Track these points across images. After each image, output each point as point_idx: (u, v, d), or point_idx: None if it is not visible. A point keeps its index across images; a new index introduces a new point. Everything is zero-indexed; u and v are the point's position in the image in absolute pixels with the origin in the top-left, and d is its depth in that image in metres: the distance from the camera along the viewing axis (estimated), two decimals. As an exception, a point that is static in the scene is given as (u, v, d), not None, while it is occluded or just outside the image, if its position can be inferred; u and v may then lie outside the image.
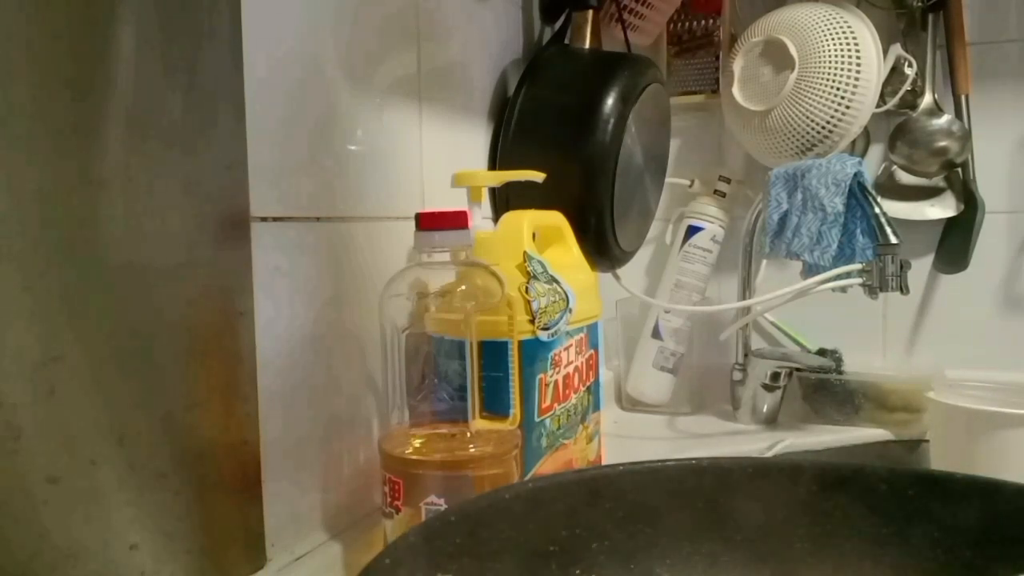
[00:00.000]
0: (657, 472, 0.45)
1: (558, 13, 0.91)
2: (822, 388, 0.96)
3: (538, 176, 0.66)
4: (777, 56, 0.93)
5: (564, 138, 0.78)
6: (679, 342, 1.03)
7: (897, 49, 0.93)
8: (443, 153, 0.72)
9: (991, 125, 0.98)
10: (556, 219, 0.68)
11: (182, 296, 0.44)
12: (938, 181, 1.00)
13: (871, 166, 1.02)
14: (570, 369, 0.62)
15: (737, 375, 0.99)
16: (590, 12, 0.86)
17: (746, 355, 0.99)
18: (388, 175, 0.64)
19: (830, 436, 0.92)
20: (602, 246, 0.80)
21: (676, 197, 1.09)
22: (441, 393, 0.54)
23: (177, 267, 0.43)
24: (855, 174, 0.83)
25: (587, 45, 0.86)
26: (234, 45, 0.48)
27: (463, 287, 0.54)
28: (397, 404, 0.54)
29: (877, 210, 0.81)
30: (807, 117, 0.91)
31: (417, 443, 0.53)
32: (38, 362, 0.36)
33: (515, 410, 0.55)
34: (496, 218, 0.75)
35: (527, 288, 0.57)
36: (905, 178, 1.01)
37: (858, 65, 0.89)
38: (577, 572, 0.42)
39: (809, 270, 0.86)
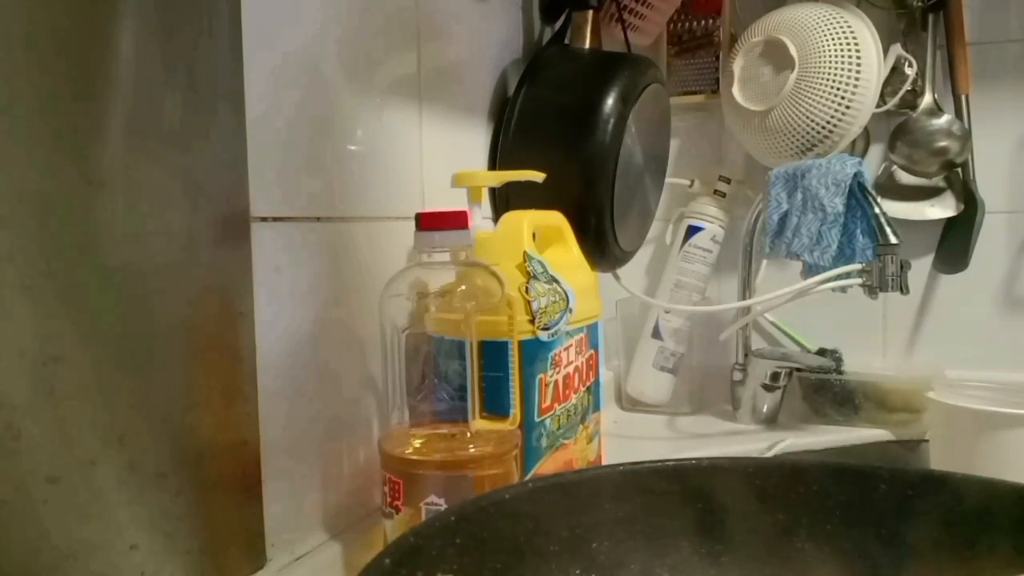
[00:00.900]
0: (657, 472, 0.45)
1: (558, 13, 0.91)
2: (822, 388, 0.96)
3: (538, 176, 0.66)
4: (777, 56, 0.93)
5: (564, 138, 0.78)
6: (679, 342, 1.03)
7: (897, 49, 0.93)
8: (443, 153, 0.72)
9: (991, 125, 0.98)
10: (556, 219, 0.68)
11: (182, 296, 0.44)
12: (938, 181, 1.00)
13: (871, 166, 1.02)
14: (570, 369, 0.62)
15: (737, 375, 0.99)
16: (590, 12, 0.86)
17: (746, 355, 0.99)
18: (388, 175, 0.64)
19: (830, 436, 0.92)
20: (602, 246, 0.80)
21: (676, 197, 1.09)
22: (441, 393, 0.54)
23: (177, 267, 0.43)
24: (855, 174, 0.83)
25: (587, 45, 0.86)
26: (234, 45, 0.48)
27: (463, 287, 0.54)
28: (397, 404, 0.54)
29: (877, 210, 0.81)
30: (807, 117, 0.91)
31: (417, 443, 0.53)
32: (38, 362, 0.36)
33: (515, 410, 0.55)
34: (496, 218, 0.75)
35: (527, 288, 0.57)
36: (905, 178, 1.01)
37: (858, 65, 0.89)
38: (577, 572, 0.42)
39: (809, 270, 0.86)
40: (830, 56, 0.89)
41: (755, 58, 0.95)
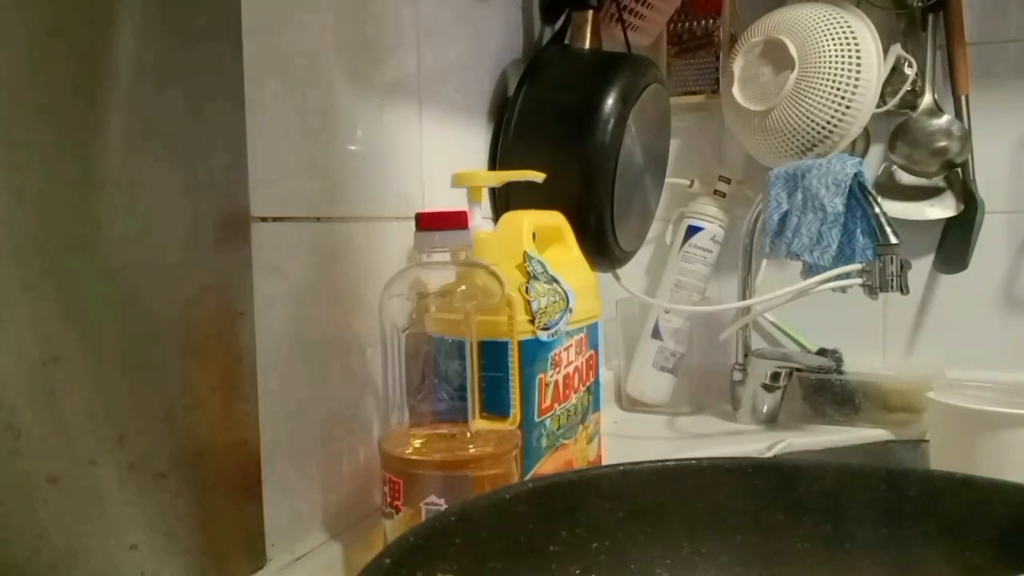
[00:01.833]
0: (657, 472, 0.45)
1: (558, 13, 0.91)
2: (822, 388, 0.96)
3: (538, 176, 0.66)
4: (777, 56, 0.93)
5: (564, 138, 0.78)
6: (679, 342, 1.03)
7: (897, 49, 0.93)
8: (443, 153, 0.72)
9: (991, 125, 0.98)
10: (556, 219, 0.68)
11: (182, 296, 0.44)
12: (938, 181, 1.00)
13: (871, 166, 1.02)
14: (570, 369, 0.62)
15: (737, 375, 0.99)
16: (590, 12, 0.86)
17: (746, 355, 0.99)
18: (388, 175, 0.64)
19: (830, 436, 0.92)
20: (602, 246, 0.80)
21: (676, 197, 1.09)
22: (441, 393, 0.54)
23: (177, 267, 0.43)
24: (855, 174, 0.83)
25: (587, 45, 0.86)
26: (234, 45, 0.48)
27: (463, 287, 0.54)
28: (397, 404, 0.54)
29: (877, 210, 0.81)
30: (807, 117, 0.91)
31: (417, 443, 0.53)
32: (38, 362, 0.36)
33: (515, 410, 0.55)
34: (496, 218, 0.75)
35: (527, 288, 0.57)
36: (905, 178, 1.01)
37: (858, 65, 0.89)
38: (577, 572, 0.42)
39: (809, 270, 0.86)
40: (830, 56, 0.89)
41: (755, 58, 0.95)
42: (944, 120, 0.97)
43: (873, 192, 0.83)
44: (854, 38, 0.90)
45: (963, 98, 0.97)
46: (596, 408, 0.67)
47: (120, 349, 0.40)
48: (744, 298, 0.99)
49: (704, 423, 0.99)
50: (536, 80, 0.82)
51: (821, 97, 0.90)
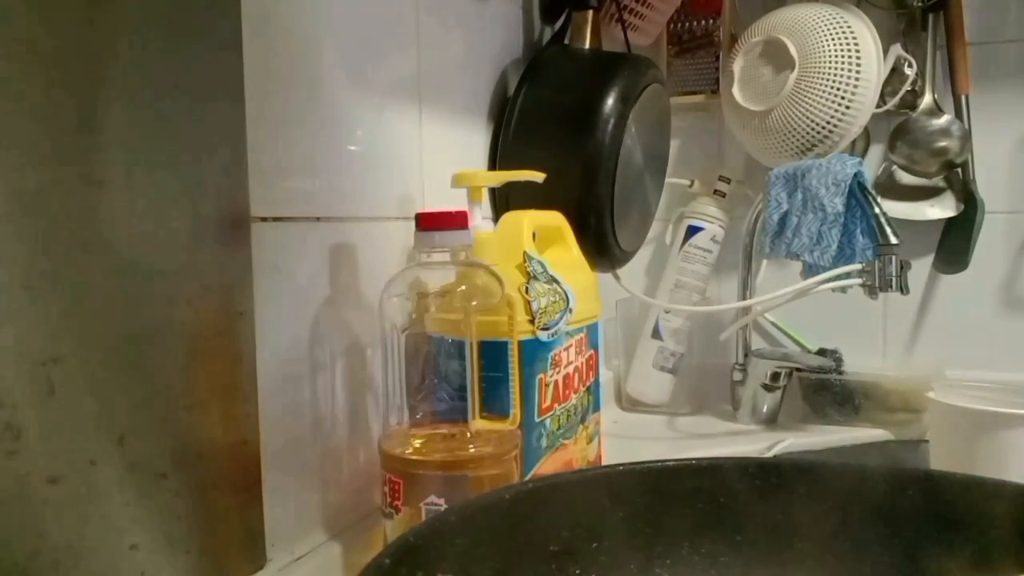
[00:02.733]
0: (657, 472, 0.45)
1: (558, 13, 0.91)
2: (822, 388, 0.96)
3: (538, 176, 0.66)
4: (777, 56, 0.93)
5: (564, 138, 0.78)
6: (679, 342, 1.03)
7: (897, 49, 0.93)
8: (443, 153, 0.72)
9: (991, 125, 0.98)
10: (556, 219, 0.68)
11: (182, 296, 0.44)
12: (938, 181, 1.00)
13: (871, 166, 1.02)
14: (570, 369, 0.62)
15: (737, 375, 0.99)
16: (590, 12, 0.86)
17: (746, 355, 0.99)
18: (388, 175, 0.64)
19: (830, 436, 0.92)
20: (602, 246, 0.80)
21: (676, 197, 1.09)
22: (441, 393, 0.54)
23: (177, 267, 0.43)
24: (855, 174, 0.83)
25: (587, 45, 0.86)
26: (234, 45, 0.48)
27: (463, 287, 0.54)
28: (397, 404, 0.54)
29: (877, 210, 0.81)
30: (807, 117, 0.91)
31: (417, 443, 0.53)
32: (38, 362, 0.36)
33: (515, 410, 0.55)
34: (496, 218, 0.75)
35: (527, 288, 0.57)
36: (905, 178, 1.01)
37: (858, 65, 0.89)
38: (577, 572, 0.42)
39: (809, 270, 0.86)
40: (830, 56, 0.89)
41: (755, 58, 0.95)
42: (944, 120, 0.97)
43: (873, 192, 0.83)
44: (854, 38, 0.90)
45: (963, 98, 0.97)
46: (596, 408, 0.67)
47: (120, 349, 0.40)
48: (744, 298, 0.99)
49: (704, 423, 0.99)
50: (536, 80, 0.82)
51: (821, 97, 0.90)
